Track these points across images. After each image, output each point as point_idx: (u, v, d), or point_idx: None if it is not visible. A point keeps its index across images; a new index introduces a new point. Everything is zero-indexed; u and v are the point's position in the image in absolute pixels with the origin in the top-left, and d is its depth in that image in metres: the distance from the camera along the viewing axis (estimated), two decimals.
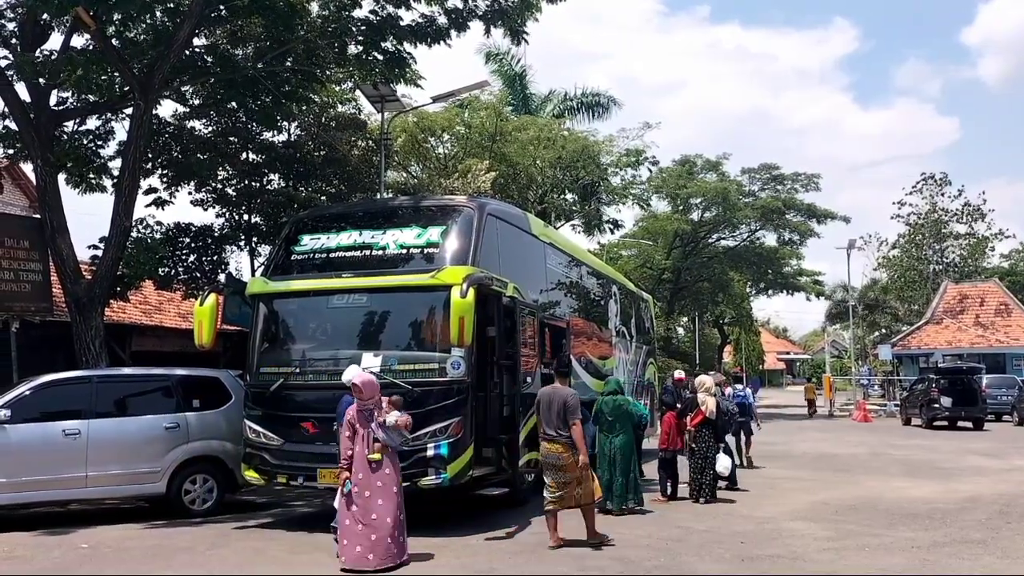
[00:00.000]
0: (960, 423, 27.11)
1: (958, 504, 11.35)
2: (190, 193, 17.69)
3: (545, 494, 8.73)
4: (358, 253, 10.46)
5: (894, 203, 51.31)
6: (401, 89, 17.65)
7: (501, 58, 31.47)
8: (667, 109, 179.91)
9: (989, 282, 44.08)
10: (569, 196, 31.10)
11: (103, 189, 15.60)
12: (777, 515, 10.54)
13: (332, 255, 10.60)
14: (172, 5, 13.37)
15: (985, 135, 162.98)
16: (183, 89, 15.45)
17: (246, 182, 18.23)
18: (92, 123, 15.63)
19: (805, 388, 41.83)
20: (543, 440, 8.86)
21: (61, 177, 14.85)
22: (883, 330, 48.36)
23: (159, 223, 16.60)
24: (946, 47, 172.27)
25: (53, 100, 14.21)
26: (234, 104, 15.71)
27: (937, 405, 27.04)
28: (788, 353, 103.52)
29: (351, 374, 8.25)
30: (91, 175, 15.50)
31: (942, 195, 50.27)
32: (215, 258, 17.70)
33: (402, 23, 13.88)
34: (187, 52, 13.76)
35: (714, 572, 7.68)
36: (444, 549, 8.46)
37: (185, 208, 21.88)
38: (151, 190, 16.79)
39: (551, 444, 8.75)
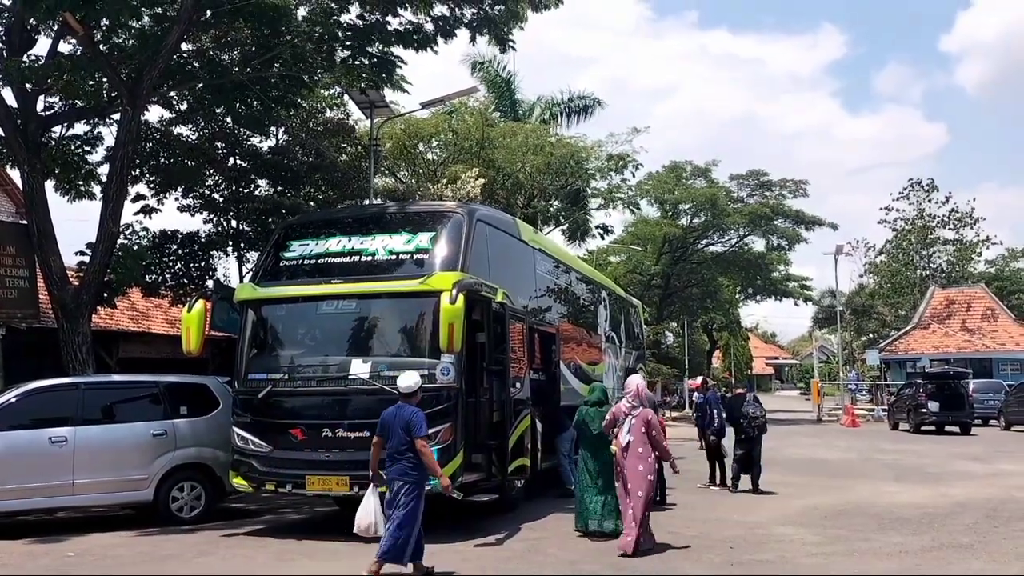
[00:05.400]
0: (947, 428, 27.23)
1: (946, 509, 11.38)
2: (177, 199, 17.63)
3: None
4: (347, 259, 10.43)
5: (881, 208, 51.63)
6: (388, 95, 17.65)
7: (487, 65, 31.38)
8: (658, 114, 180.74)
9: (976, 287, 44.25)
10: (556, 202, 31.06)
11: (92, 196, 15.51)
12: (767, 520, 10.54)
13: (321, 261, 10.56)
14: (160, 10, 13.33)
15: (972, 141, 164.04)
16: (170, 95, 15.39)
17: (233, 188, 18.17)
18: (80, 128, 15.57)
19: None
20: None
21: (49, 184, 14.75)
22: (871, 335, 48.53)
23: (145, 229, 16.56)
24: (928, 53, 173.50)
25: (40, 105, 14.12)
26: (222, 109, 15.67)
27: (925, 410, 27.13)
28: (776, 358, 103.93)
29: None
30: (80, 182, 15.43)
31: (929, 201, 50.62)
32: (203, 264, 17.64)
33: (389, 28, 13.87)
34: (175, 57, 13.72)
35: None
36: (434, 556, 8.39)
37: (172, 214, 21.81)
38: (139, 197, 16.73)
39: None
